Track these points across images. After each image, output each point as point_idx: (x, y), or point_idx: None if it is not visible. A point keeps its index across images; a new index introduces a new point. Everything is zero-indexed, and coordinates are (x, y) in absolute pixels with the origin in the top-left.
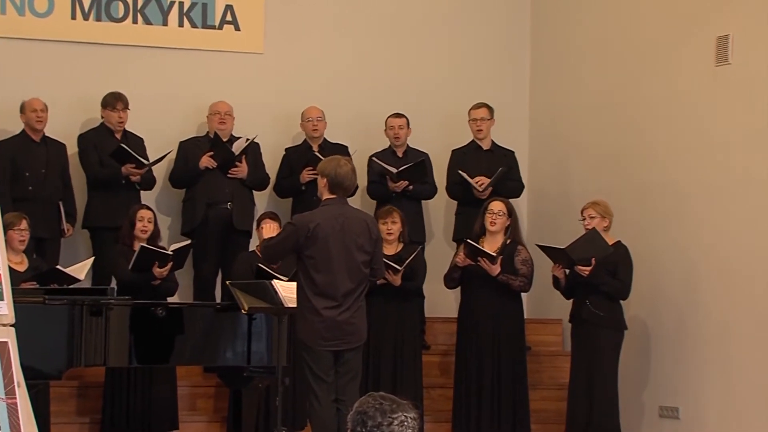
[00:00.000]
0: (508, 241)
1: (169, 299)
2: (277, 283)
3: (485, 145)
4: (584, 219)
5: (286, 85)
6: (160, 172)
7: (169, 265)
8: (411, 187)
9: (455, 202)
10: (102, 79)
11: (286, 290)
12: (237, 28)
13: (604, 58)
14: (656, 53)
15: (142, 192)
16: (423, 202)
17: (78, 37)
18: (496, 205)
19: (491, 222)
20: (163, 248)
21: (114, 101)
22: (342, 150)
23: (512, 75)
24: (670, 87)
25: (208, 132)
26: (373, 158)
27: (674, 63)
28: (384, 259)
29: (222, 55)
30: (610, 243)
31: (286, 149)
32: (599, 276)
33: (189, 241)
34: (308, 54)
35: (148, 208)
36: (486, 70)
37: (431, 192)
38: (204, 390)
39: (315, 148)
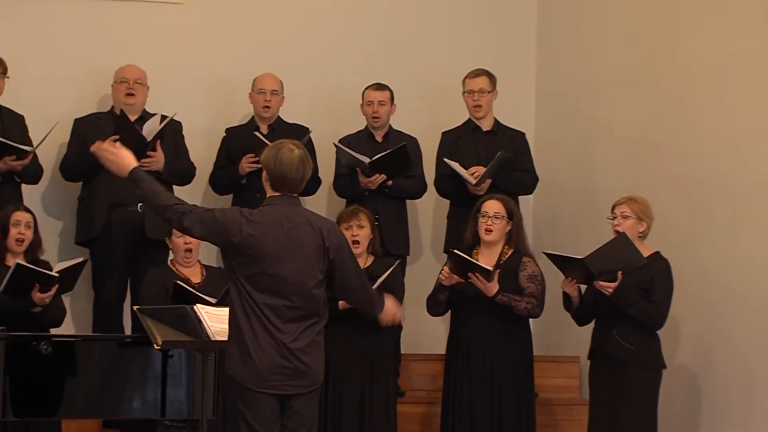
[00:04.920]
0: (510, 252)
1: (57, 330)
2: (201, 309)
3: (486, 125)
4: (615, 217)
5: (216, 46)
6: (49, 159)
7: (54, 288)
8: (390, 182)
9: (447, 202)
10: None
11: (214, 318)
12: None
13: (632, 13)
14: (700, 6)
15: (24, 186)
16: (408, 202)
17: None
18: (492, 206)
19: (486, 229)
20: (47, 264)
21: None
22: (301, 133)
23: (514, 37)
24: (719, 50)
25: (112, 107)
26: (338, 145)
27: (724, 18)
28: None
29: (130, 6)
30: (646, 254)
31: (227, 130)
32: (627, 295)
33: (81, 259)
34: (246, 5)
35: (27, 210)
36: (482, 30)
37: (418, 189)
38: None
39: (264, 129)
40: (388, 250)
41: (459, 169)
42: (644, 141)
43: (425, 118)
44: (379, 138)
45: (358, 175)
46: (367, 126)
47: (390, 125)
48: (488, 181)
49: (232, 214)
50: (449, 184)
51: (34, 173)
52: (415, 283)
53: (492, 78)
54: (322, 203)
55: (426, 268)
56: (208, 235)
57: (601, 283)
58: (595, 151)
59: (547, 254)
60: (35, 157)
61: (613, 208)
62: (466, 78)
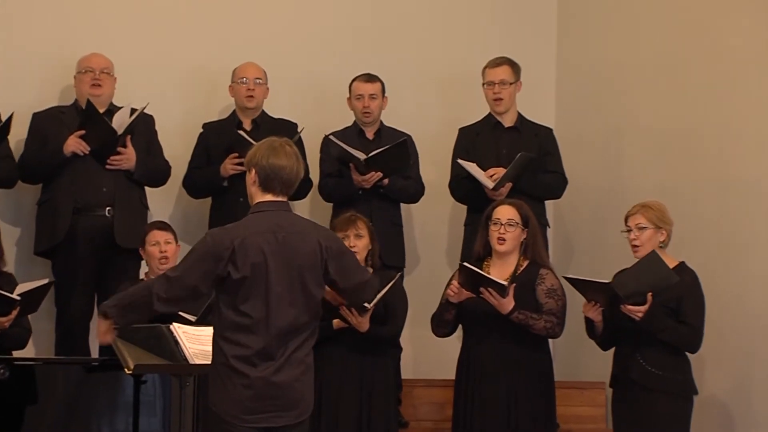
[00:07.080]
0: (526, 264)
1: (16, 353)
2: (178, 329)
3: (508, 121)
4: (629, 230)
5: (191, 32)
6: None
7: (14, 312)
8: (386, 180)
9: (458, 210)
10: None
11: (193, 339)
12: None
13: None
14: None
15: None
16: (403, 207)
17: None
18: (505, 212)
19: (498, 238)
20: (11, 276)
21: None
22: (288, 128)
23: (532, 20)
24: (762, 34)
25: (76, 100)
26: (331, 138)
27: None
28: None
29: None
30: (671, 266)
31: (205, 125)
32: (659, 319)
33: (47, 280)
34: None
35: None
36: (495, 15)
37: (416, 191)
38: None
39: (247, 124)
40: (382, 261)
41: (475, 171)
42: (677, 137)
43: (438, 113)
44: (369, 135)
45: (351, 174)
46: (355, 122)
47: (381, 121)
48: (509, 185)
49: (206, 250)
50: (466, 188)
51: (5, 176)
52: (413, 299)
53: (515, 67)
54: (305, 208)
55: (425, 281)
56: (197, 285)
57: (630, 307)
58: (622, 148)
59: (568, 278)
60: (9, 158)
61: (626, 220)
62: (486, 67)
